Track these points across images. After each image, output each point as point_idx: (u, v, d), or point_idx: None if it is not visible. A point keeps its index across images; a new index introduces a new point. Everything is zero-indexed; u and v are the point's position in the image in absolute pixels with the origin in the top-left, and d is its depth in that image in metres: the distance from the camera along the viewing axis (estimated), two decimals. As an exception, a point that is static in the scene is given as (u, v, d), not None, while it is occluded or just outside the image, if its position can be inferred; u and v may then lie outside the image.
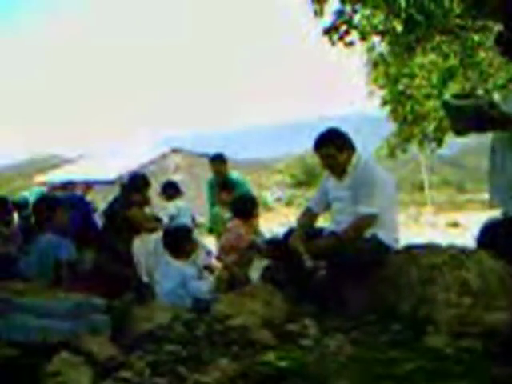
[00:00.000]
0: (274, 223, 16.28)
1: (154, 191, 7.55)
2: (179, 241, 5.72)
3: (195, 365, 3.52)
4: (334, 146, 4.96)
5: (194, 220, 8.82)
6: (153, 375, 3.34)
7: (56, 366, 3.27)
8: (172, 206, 8.51)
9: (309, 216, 5.33)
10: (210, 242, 8.20)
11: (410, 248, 4.75)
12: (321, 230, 5.20)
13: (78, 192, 10.79)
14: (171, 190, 8.90)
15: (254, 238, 6.41)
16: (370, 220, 4.71)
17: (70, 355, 3.41)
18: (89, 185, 13.08)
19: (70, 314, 3.95)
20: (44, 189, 11.16)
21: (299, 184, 33.16)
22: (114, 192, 8.93)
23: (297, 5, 11.96)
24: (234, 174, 9.14)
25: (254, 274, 5.73)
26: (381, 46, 13.84)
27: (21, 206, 9.39)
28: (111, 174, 26.23)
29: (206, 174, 9.79)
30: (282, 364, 3.40)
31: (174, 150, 30.33)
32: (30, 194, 10.24)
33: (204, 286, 5.41)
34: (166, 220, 7.88)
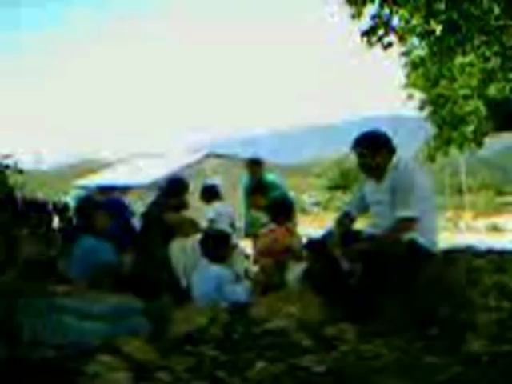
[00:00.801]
0: (311, 227, 16.20)
1: (191, 195, 7.56)
2: (217, 245, 5.72)
3: (233, 368, 3.52)
4: (369, 146, 4.92)
5: (233, 224, 8.78)
6: (191, 378, 3.35)
7: (95, 367, 3.30)
8: (211, 210, 8.48)
9: (346, 219, 5.29)
10: (246, 246, 8.20)
11: (448, 252, 4.70)
12: (359, 234, 5.16)
13: (116, 196, 10.91)
14: (210, 194, 8.86)
15: (291, 242, 6.38)
16: (409, 224, 4.64)
17: (110, 357, 3.45)
18: (126, 188, 13.21)
19: (109, 316, 3.99)
20: (83, 192, 11.29)
21: (336, 187, 32.99)
22: (150, 196, 8.98)
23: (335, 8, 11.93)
24: (270, 177, 9.13)
25: (291, 277, 5.71)
26: (420, 48, 13.74)
27: (61, 209, 9.55)
28: (148, 178, 26.44)
29: (243, 177, 9.79)
30: (319, 368, 3.38)
31: (211, 154, 30.47)
32: (71, 198, 10.38)
33: (240, 289, 5.40)
34: (205, 224, 7.87)
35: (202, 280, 5.46)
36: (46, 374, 3.18)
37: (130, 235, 7.48)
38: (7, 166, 11.50)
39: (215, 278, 5.37)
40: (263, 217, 7.53)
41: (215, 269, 5.51)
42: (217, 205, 8.60)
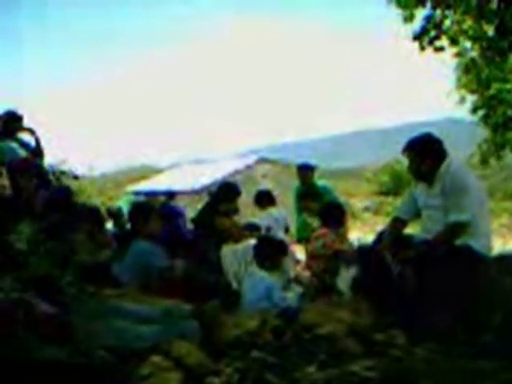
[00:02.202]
0: (362, 232, 16.09)
1: (241, 200, 7.58)
2: (271, 253, 5.75)
3: (282, 372, 3.53)
4: (419, 151, 4.89)
5: (287, 229, 8.77)
6: (241, 382, 3.37)
7: (147, 369, 3.35)
8: (266, 216, 8.46)
9: (398, 224, 5.26)
10: (297, 250, 8.19)
11: (502, 257, 4.62)
12: (410, 238, 5.12)
13: (167, 201, 11.03)
14: (265, 199, 8.85)
15: (342, 247, 6.36)
16: (462, 228, 4.59)
17: (161, 359, 3.49)
18: (176, 194, 13.33)
19: (159, 319, 4.04)
20: (134, 197, 11.44)
21: (388, 192, 32.59)
22: (201, 201, 9.05)
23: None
24: (321, 182, 9.13)
25: (342, 282, 5.68)
26: (472, 50, 13.55)
27: (115, 214, 9.71)
28: (198, 184, 26.60)
29: (293, 182, 9.78)
30: (370, 374, 3.37)
31: (262, 159, 30.46)
32: (123, 203, 10.51)
33: (291, 296, 5.41)
34: (262, 231, 7.86)
35: (252, 286, 5.48)
36: (98, 376, 3.23)
37: (181, 240, 7.55)
38: (63, 172, 11.74)
39: (265, 285, 5.39)
40: (314, 221, 7.53)
41: (265, 275, 5.52)
42: (272, 210, 8.58)
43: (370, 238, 5.90)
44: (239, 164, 30.11)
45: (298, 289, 5.77)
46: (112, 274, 5.58)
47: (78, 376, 3.18)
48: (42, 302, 3.73)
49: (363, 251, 5.61)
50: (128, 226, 7.50)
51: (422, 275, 4.55)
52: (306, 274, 6.47)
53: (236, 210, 7.35)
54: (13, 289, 4.00)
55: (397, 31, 12.14)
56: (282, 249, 5.95)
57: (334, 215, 6.77)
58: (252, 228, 7.40)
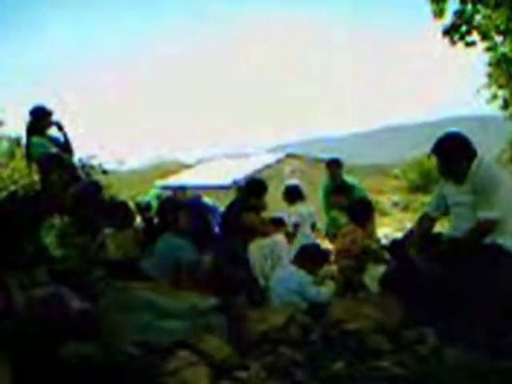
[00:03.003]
0: (391, 228, 15.97)
1: (269, 196, 7.57)
2: (315, 260, 5.76)
3: (309, 368, 3.53)
4: (448, 150, 4.84)
5: (314, 225, 8.74)
6: (268, 377, 3.38)
7: (175, 364, 3.37)
8: (294, 212, 8.43)
9: (426, 221, 5.22)
10: (325, 246, 8.17)
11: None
12: (439, 236, 5.08)
13: (196, 196, 11.04)
14: (293, 194, 8.81)
15: (369, 243, 6.33)
16: (491, 225, 4.54)
17: (189, 354, 3.51)
18: (205, 189, 13.36)
19: (187, 314, 4.06)
20: (163, 192, 11.47)
21: (416, 188, 32.33)
22: (230, 196, 9.05)
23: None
24: (349, 179, 9.10)
25: (370, 279, 5.66)
26: (503, 45, 13.39)
27: (143, 208, 9.77)
28: (227, 179, 26.63)
29: (321, 178, 9.75)
30: (397, 370, 3.36)
31: (290, 155, 30.40)
32: (151, 198, 10.57)
33: (324, 292, 5.39)
34: (289, 227, 7.83)
35: (284, 280, 5.47)
36: (127, 370, 3.27)
37: (209, 235, 7.57)
38: (92, 167, 11.83)
39: (298, 280, 5.38)
40: (342, 217, 7.50)
41: (299, 271, 5.52)
42: (299, 207, 8.56)
43: (397, 234, 5.87)
44: (268, 159, 30.09)
45: (331, 283, 5.74)
46: (141, 269, 5.62)
47: (106, 370, 3.21)
48: (74, 297, 3.77)
49: (393, 248, 5.59)
50: (156, 220, 7.56)
51: (450, 273, 4.51)
52: (334, 269, 6.45)
53: (264, 206, 7.35)
54: (47, 283, 4.06)
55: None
56: (326, 258, 5.97)
57: (363, 212, 6.74)
58: (277, 222, 7.38)
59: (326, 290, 5.43)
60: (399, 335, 4.09)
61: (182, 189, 10.53)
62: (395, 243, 5.68)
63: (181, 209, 6.20)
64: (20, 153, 13.98)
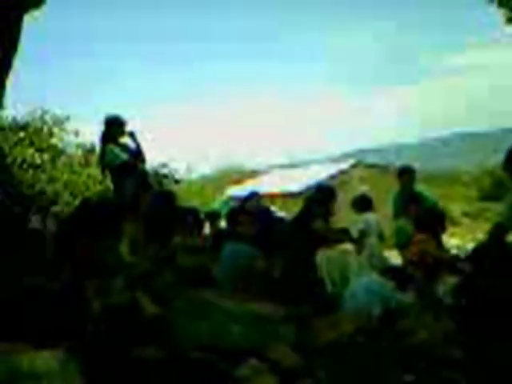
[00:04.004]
0: (461, 238, 15.66)
1: (339, 204, 7.54)
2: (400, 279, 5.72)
3: (378, 378, 3.51)
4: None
5: (382, 234, 8.66)
6: (334, 384, 3.37)
7: (245, 371, 3.39)
8: (362, 221, 8.38)
9: (500, 231, 5.11)
10: (394, 256, 8.10)
11: None
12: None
13: (263, 204, 11.11)
14: (363, 204, 8.76)
15: (441, 253, 6.23)
16: None
17: (257, 362, 3.52)
18: (272, 197, 13.43)
19: (256, 321, 4.08)
20: (231, 200, 11.58)
21: (488, 197, 31.58)
22: (297, 205, 9.07)
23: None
24: (420, 188, 8.98)
25: (442, 290, 5.56)
26: None
27: (212, 216, 9.88)
28: (295, 187, 26.67)
29: (391, 186, 9.65)
30: (469, 381, 3.30)
31: (359, 163, 30.26)
32: (219, 205, 10.69)
33: (407, 298, 5.34)
34: (355, 234, 7.80)
35: (366, 288, 5.43)
36: (196, 375, 3.30)
37: (278, 242, 7.59)
38: (165, 176, 12.05)
39: (380, 290, 5.35)
40: (413, 227, 7.41)
41: (383, 280, 5.48)
42: (367, 215, 8.50)
43: (469, 245, 5.76)
44: (335, 168, 30.03)
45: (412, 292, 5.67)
46: (210, 276, 5.68)
47: (177, 375, 3.26)
48: (149, 302, 3.85)
49: (472, 258, 5.49)
50: (225, 227, 7.63)
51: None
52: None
53: (332, 214, 7.32)
54: (123, 289, 4.15)
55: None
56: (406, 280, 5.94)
57: (434, 221, 6.64)
58: (342, 232, 7.36)
59: (408, 298, 5.37)
60: (471, 346, 4.01)
61: (253, 196, 10.60)
62: (473, 254, 5.57)
63: (247, 216, 6.25)
64: (95, 161, 14.40)
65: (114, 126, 7.87)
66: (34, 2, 6.77)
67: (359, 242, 7.57)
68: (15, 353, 2.78)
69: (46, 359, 2.73)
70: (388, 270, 5.84)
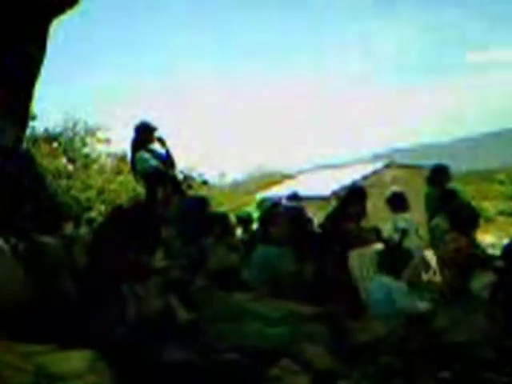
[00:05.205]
0: (495, 237, 15.45)
1: (371, 204, 7.51)
2: (395, 261, 5.69)
3: (410, 379, 3.48)
4: None
5: (417, 233, 8.60)
6: (367, 386, 3.36)
7: (277, 372, 3.39)
8: (401, 220, 8.32)
9: None
10: (428, 255, 8.02)
11: None
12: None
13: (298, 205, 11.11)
14: (399, 203, 8.69)
15: (475, 251, 6.16)
16: None
17: (291, 362, 3.53)
18: (306, 200, 13.41)
19: (288, 320, 4.08)
20: (261, 202, 11.59)
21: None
22: (328, 207, 9.04)
23: None
24: (453, 185, 8.88)
25: (476, 287, 5.51)
26: None
27: (244, 220, 9.97)
28: (328, 189, 26.64)
29: (423, 186, 9.55)
30: (505, 380, 3.26)
31: (392, 164, 30.14)
32: (253, 209, 10.72)
33: (418, 301, 5.31)
34: (396, 235, 7.75)
35: (375, 291, 5.44)
36: (230, 376, 3.31)
37: (311, 244, 7.57)
38: (193, 178, 12.09)
39: (387, 290, 5.33)
40: (446, 226, 7.33)
41: (388, 281, 5.47)
42: (406, 215, 8.44)
43: (504, 242, 5.69)
44: (369, 168, 29.94)
45: (426, 294, 5.64)
46: (241, 279, 5.70)
47: (209, 376, 3.27)
48: (181, 307, 3.89)
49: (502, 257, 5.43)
50: (257, 230, 7.64)
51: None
52: (438, 279, 6.32)
53: (364, 214, 7.28)
54: (159, 294, 4.19)
55: None
56: (405, 259, 5.88)
57: (467, 219, 6.57)
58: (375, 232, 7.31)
59: (423, 300, 5.34)
60: (506, 346, 3.96)
61: (291, 197, 10.61)
62: (506, 250, 5.50)
63: (279, 218, 6.25)
64: (126, 168, 14.59)
65: (143, 133, 7.95)
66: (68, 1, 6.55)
67: (400, 241, 7.50)
68: (43, 353, 2.82)
69: (73, 360, 2.77)
70: None
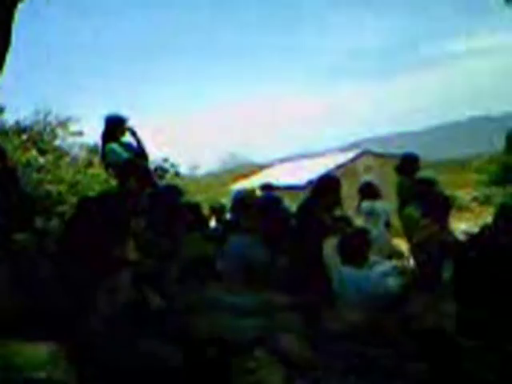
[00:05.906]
0: (470, 223, 15.61)
1: (345, 193, 7.51)
2: (356, 247, 5.70)
3: (388, 366, 3.49)
4: None
5: (388, 223, 8.65)
6: (343, 375, 3.36)
7: (251, 364, 3.38)
8: (366, 206, 8.38)
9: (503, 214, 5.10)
10: (400, 243, 8.11)
11: None
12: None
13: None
14: (368, 191, 8.77)
15: (446, 238, 6.22)
16: None
17: (264, 353, 3.51)
18: (281, 189, 13.40)
19: (262, 310, 4.07)
20: (235, 192, 11.64)
21: (496, 182, 31.50)
22: (302, 197, 9.06)
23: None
24: (426, 173, 8.96)
25: (446, 274, 5.55)
26: None
27: (218, 211, 10.02)
28: (303, 179, 26.72)
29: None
30: (487, 372, 3.28)
31: (366, 152, 30.33)
32: (226, 200, 10.77)
33: (392, 284, 5.33)
34: (360, 221, 7.79)
35: (340, 282, 5.48)
36: (204, 369, 3.29)
37: (284, 234, 7.57)
38: (166, 170, 12.07)
39: (353, 281, 5.36)
40: (419, 214, 7.38)
41: (351, 271, 5.49)
42: (373, 203, 8.49)
43: (477, 229, 5.76)
44: (343, 157, 30.10)
45: (399, 279, 5.65)
46: (215, 268, 5.67)
47: (183, 369, 3.25)
48: (155, 296, 3.87)
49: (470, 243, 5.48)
50: (230, 220, 7.62)
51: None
52: (410, 264, 6.39)
53: (337, 203, 7.28)
54: (130, 286, 4.16)
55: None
56: (365, 240, 5.88)
57: (439, 206, 6.63)
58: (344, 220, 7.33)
59: (395, 283, 5.36)
60: (480, 332, 3.98)
61: (265, 188, 10.63)
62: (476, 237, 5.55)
63: (250, 207, 6.22)
64: (98, 160, 14.48)
65: (114, 125, 7.86)
66: None
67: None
68: (7, 346, 2.79)
69: (36, 351, 2.74)
70: None
